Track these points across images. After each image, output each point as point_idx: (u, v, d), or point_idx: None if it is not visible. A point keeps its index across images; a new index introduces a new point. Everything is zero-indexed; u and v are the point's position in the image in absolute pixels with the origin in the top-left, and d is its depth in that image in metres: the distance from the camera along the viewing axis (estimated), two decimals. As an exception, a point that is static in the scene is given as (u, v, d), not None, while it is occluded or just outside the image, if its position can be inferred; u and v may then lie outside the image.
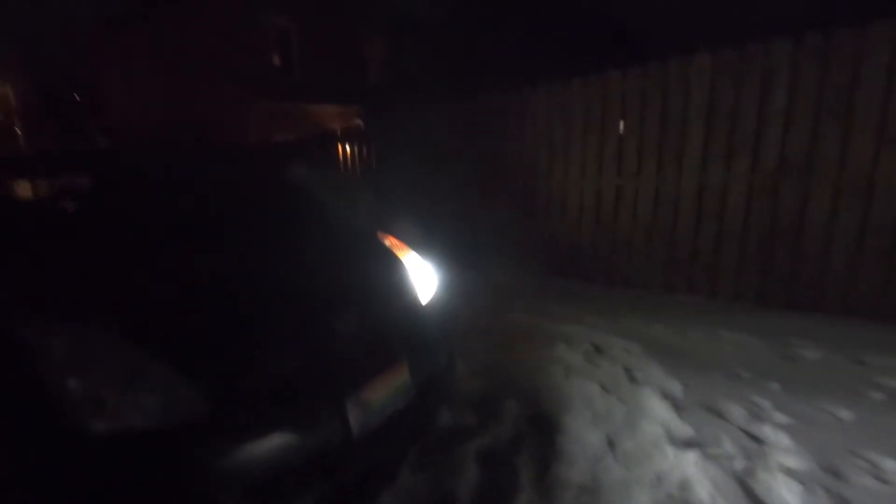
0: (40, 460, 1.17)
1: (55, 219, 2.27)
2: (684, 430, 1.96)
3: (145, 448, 1.20)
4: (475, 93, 4.77)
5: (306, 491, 1.39)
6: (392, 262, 2.11)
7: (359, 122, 6.13)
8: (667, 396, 2.21)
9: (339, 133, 6.38)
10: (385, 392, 1.58)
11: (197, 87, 13.44)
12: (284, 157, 7.42)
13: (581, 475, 1.76)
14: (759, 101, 3.16)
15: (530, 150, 4.36)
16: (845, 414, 2.01)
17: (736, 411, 2.07)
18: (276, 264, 1.83)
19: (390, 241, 2.32)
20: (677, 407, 2.12)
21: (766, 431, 1.91)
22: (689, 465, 1.74)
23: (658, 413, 2.08)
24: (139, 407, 1.23)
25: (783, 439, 1.85)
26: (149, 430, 1.22)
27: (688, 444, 1.86)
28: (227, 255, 1.80)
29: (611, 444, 1.92)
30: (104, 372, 1.25)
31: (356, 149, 6.13)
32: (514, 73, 5.71)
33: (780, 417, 2.00)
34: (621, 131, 3.77)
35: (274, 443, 1.32)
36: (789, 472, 1.67)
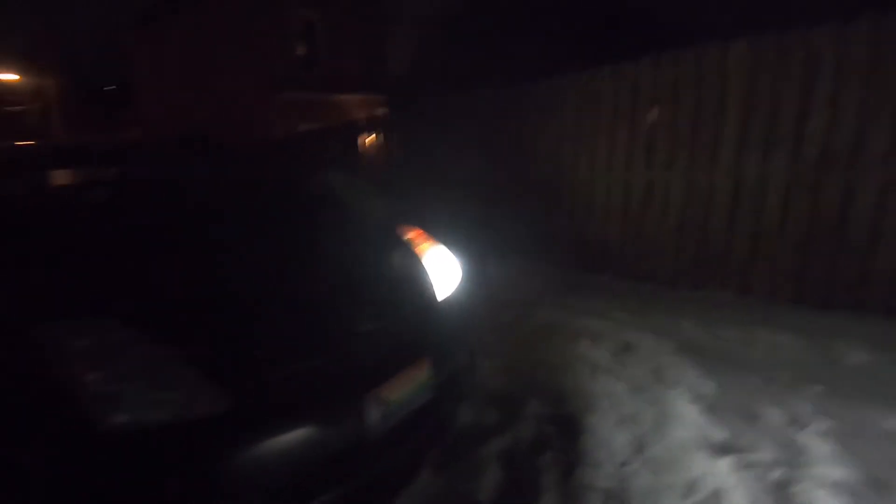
0: (60, 455, 1.17)
1: (82, 212, 2.30)
2: (718, 434, 1.87)
3: (165, 443, 1.19)
4: (500, 83, 4.68)
5: (325, 489, 1.37)
6: (413, 257, 2.07)
7: (383, 112, 6.09)
8: (699, 399, 2.11)
9: (362, 123, 6.36)
10: (405, 389, 1.54)
11: (223, 78, 13.63)
12: (307, 148, 7.48)
13: (607, 480, 1.69)
14: (800, 91, 2.99)
15: (556, 142, 4.25)
16: (894, 423, 1.89)
17: (774, 416, 1.96)
18: (296, 260, 1.81)
19: (413, 235, 2.28)
20: (710, 410, 2.02)
21: (808, 438, 1.80)
22: (723, 472, 1.65)
23: (690, 416, 1.99)
24: (159, 402, 1.23)
25: (826, 447, 1.74)
26: (168, 425, 1.21)
27: (722, 450, 1.77)
28: (248, 251, 1.78)
29: (638, 447, 1.85)
30: (124, 368, 1.25)
31: (380, 139, 6.11)
32: (541, 62, 5.57)
33: (823, 423, 1.88)
34: (652, 123, 3.63)
35: (292, 439, 1.30)
36: (833, 484, 1.56)
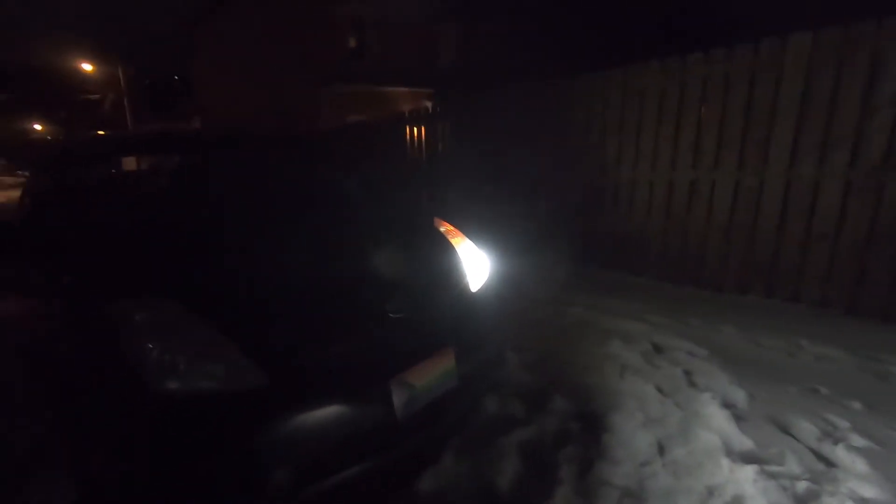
0: (122, 416, 1.33)
1: (146, 199, 2.51)
2: (744, 442, 1.84)
3: (210, 409, 1.33)
4: (546, 76, 4.64)
5: (352, 463, 1.47)
6: (445, 249, 2.13)
7: (429, 104, 6.15)
8: (728, 405, 2.07)
9: (408, 116, 6.46)
10: (430, 376, 1.62)
11: (276, 70, 14.11)
12: (354, 139, 7.67)
13: (625, 478, 1.71)
14: (863, 88, 2.81)
15: (598, 138, 4.19)
16: (939, 445, 1.79)
17: (807, 429, 1.91)
18: (335, 247, 1.92)
19: (446, 228, 2.34)
20: (739, 418, 1.99)
21: (840, 454, 1.75)
22: (746, 480, 1.63)
23: (716, 422, 1.96)
24: (207, 374, 1.36)
25: (859, 464, 1.69)
26: (214, 394, 1.34)
27: (746, 458, 1.75)
28: (290, 239, 1.91)
29: (661, 449, 1.85)
30: (179, 342, 1.39)
31: (426, 131, 6.19)
32: (589, 56, 5.46)
33: (859, 440, 1.82)
34: (700, 120, 3.51)
35: (322, 414, 1.40)
36: (861, 501, 1.52)
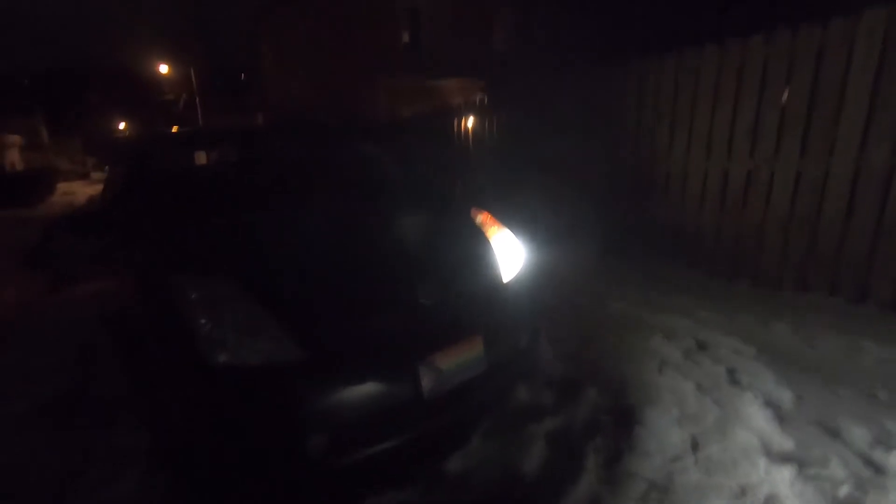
0: (176, 381, 1.50)
1: (211, 188, 2.74)
2: (784, 443, 1.77)
3: (256, 380, 1.46)
4: (597, 62, 4.52)
5: (382, 439, 1.57)
6: (479, 239, 2.18)
7: (482, 95, 6.16)
8: (772, 405, 1.99)
9: (461, 107, 6.50)
10: (457, 361, 1.69)
11: (335, 65, 14.57)
12: (408, 131, 7.82)
13: (653, 472, 1.70)
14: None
15: (650, 125, 4.04)
16: None
17: (858, 434, 1.80)
18: (374, 233, 2.03)
19: (482, 218, 2.38)
20: (782, 418, 1.91)
21: (893, 462, 1.64)
22: (782, 481, 1.58)
23: (757, 422, 1.90)
24: (253, 348, 1.50)
25: (913, 474, 1.58)
26: (260, 366, 1.48)
27: (785, 459, 1.69)
28: (331, 225, 2.03)
29: (694, 445, 1.82)
30: (230, 318, 1.53)
31: (478, 122, 6.21)
32: (642, 40, 5.26)
33: (916, 449, 1.70)
34: (759, 105, 3.31)
35: (354, 391, 1.51)
36: (911, 511, 1.43)
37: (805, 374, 2.24)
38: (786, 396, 2.05)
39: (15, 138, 18.81)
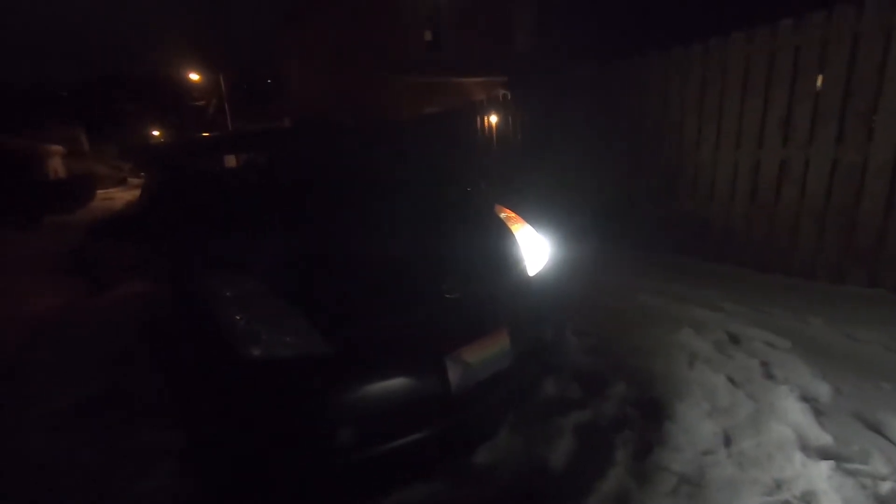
0: (209, 376, 1.56)
1: (240, 189, 2.82)
2: (822, 438, 1.72)
3: (287, 373, 1.51)
4: (620, 56, 4.45)
5: (409, 432, 1.60)
6: (503, 234, 2.18)
7: (504, 92, 6.13)
8: (809, 399, 1.94)
9: (483, 104, 6.49)
10: (483, 355, 1.70)
11: (357, 66, 14.71)
12: (429, 129, 7.85)
13: (684, 465, 1.68)
14: None
15: (677, 118, 3.96)
16: None
17: (900, 429, 1.74)
18: (398, 229, 2.05)
19: (506, 214, 2.39)
20: (819, 412, 1.86)
21: (938, 457, 1.58)
22: (820, 476, 1.54)
23: (793, 416, 1.85)
24: (285, 343, 1.54)
25: (962, 470, 1.52)
26: (291, 360, 1.52)
27: (823, 453, 1.64)
28: (358, 222, 2.07)
29: (727, 439, 1.79)
30: (262, 313, 1.58)
31: (501, 118, 6.19)
32: (667, 34, 5.14)
33: (965, 444, 1.63)
34: (792, 93, 3.20)
35: (381, 384, 1.54)
36: (959, 508, 1.38)
37: (843, 368, 2.17)
38: (823, 390, 2.00)
39: (57, 148, 19.70)
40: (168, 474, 1.87)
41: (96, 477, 1.91)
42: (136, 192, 5.36)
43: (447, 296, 1.73)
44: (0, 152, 13.64)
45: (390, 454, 1.57)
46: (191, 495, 1.76)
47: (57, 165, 18.97)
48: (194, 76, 24.63)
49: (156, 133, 38.80)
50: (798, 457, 1.63)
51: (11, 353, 3.30)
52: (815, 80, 3.09)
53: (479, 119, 6.57)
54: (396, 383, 1.56)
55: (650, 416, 1.95)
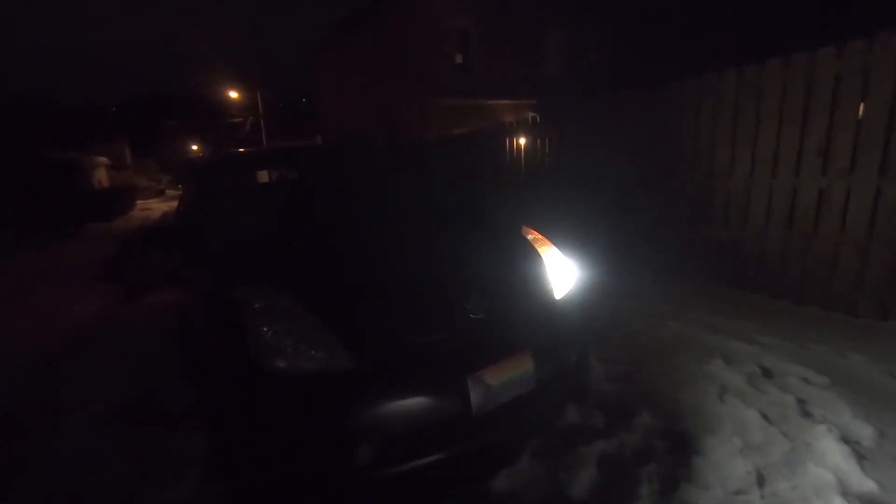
0: (234, 386, 1.58)
1: (273, 203, 2.90)
2: (865, 483, 1.62)
3: (310, 387, 1.52)
4: (652, 82, 4.43)
5: (429, 452, 1.58)
6: (530, 256, 2.17)
7: (533, 115, 6.16)
8: (850, 441, 1.83)
9: (511, 126, 6.54)
10: (506, 377, 1.68)
11: (388, 88, 15.08)
12: (458, 150, 7.94)
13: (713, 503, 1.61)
14: None
15: (709, 144, 3.90)
16: None
17: (952, 477, 1.62)
18: (426, 249, 2.07)
19: (533, 236, 2.38)
20: (862, 456, 1.75)
21: None
22: (862, 525, 1.45)
23: (832, 458, 1.75)
24: (309, 357, 1.56)
25: None
26: (314, 374, 1.54)
27: (866, 500, 1.55)
28: (385, 240, 2.09)
29: (760, 479, 1.70)
30: (287, 328, 1.61)
31: (530, 141, 6.22)
32: (700, 60, 5.10)
33: None
34: (832, 121, 3.12)
35: (403, 402, 1.53)
36: None
37: (887, 409, 2.05)
38: (866, 432, 1.89)
39: (102, 159, 20.73)
40: (197, 482, 1.90)
41: (128, 482, 1.95)
42: (174, 204, 5.56)
43: (472, 316, 1.72)
44: (51, 165, 14.44)
45: (409, 474, 1.55)
46: (218, 503, 1.77)
47: (101, 176, 19.93)
48: (233, 94, 25.66)
49: (194, 148, 40.39)
50: (838, 502, 1.54)
51: (52, 357, 3.43)
52: (857, 108, 3.00)
53: (507, 141, 6.61)
54: (417, 402, 1.55)
55: (677, 450, 1.88)
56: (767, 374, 2.41)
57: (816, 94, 3.19)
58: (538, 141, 6.08)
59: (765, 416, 2.04)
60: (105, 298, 5.04)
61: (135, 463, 2.06)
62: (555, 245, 2.34)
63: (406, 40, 13.89)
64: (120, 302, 4.93)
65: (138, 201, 20.78)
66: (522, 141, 6.34)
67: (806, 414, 2.05)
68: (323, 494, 1.57)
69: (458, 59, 14.32)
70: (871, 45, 2.90)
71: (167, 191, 28.92)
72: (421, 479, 1.62)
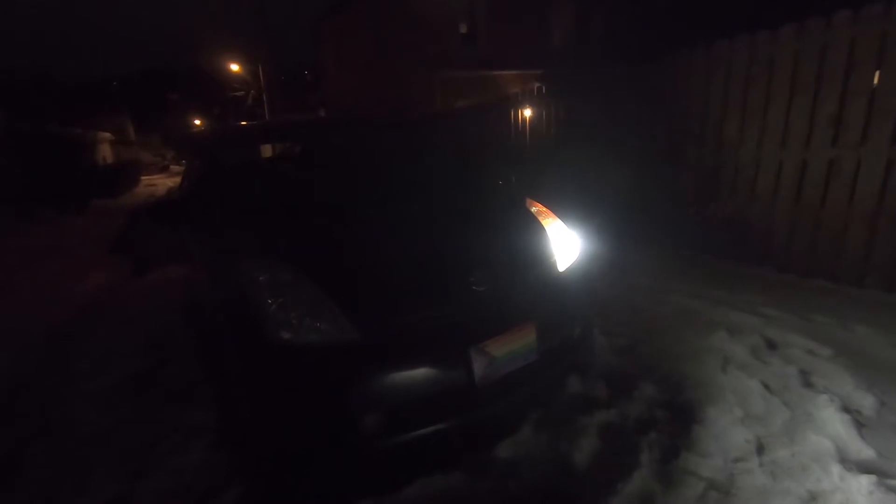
0: (242, 357, 1.61)
1: (276, 178, 2.89)
2: (864, 451, 1.64)
3: (319, 358, 1.54)
4: (660, 53, 4.32)
5: (433, 421, 1.61)
6: (533, 228, 2.16)
7: (538, 85, 6.04)
8: (850, 410, 1.85)
9: (517, 96, 6.42)
10: (509, 348, 1.70)
11: (392, 60, 14.78)
12: (462, 122, 7.84)
13: (713, 472, 1.64)
14: None
15: (717, 116, 3.81)
16: None
17: (952, 446, 1.64)
18: (429, 222, 2.06)
19: (537, 209, 2.36)
20: (862, 424, 1.77)
21: None
22: (859, 491, 1.47)
23: (832, 426, 1.77)
24: (314, 328, 1.58)
25: None
26: (320, 345, 1.56)
27: (864, 467, 1.57)
28: (389, 214, 2.09)
29: (760, 448, 1.73)
30: (292, 299, 1.62)
31: (536, 113, 6.12)
32: (710, 29, 4.93)
33: None
34: (844, 90, 3.04)
35: (407, 373, 1.56)
36: None
37: (890, 380, 2.06)
38: (867, 402, 1.90)
39: (105, 135, 20.65)
40: (202, 451, 1.95)
41: (137, 450, 2.01)
42: (178, 179, 5.56)
43: (475, 288, 1.73)
44: (56, 142, 14.38)
45: (413, 443, 1.59)
46: (225, 472, 1.82)
47: (106, 152, 19.90)
48: (234, 67, 25.25)
49: (197, 122, 40.07)
50: (836, 469, 1.57)
51: (64, 330, 3.49)
52: (872, 76, 2.92)
53: (512, 112, 6.50)
54: (421, 372, 1.58)
55: (679, 420, 1.90)
56: (771, 345, 2.42)
57: (830, 59, 3.09)
58: (543, 112, 5.98)
59: (766, 387, 2.05)
60: (114, 272, 5.10)
61: (145, 432, 2.12)
62: (559, 217, 2.33)
63: (411, 9, 13.53)
64: (128, 275, 5.00)
65: (143, 177, 20.77)
66: (528, 112, 6.24)
67: (808, 384, 2.06)
68: (329, 462, 1.61)
69: (464, 28, 13.97)
70: (889, 9, 2.80)
71: (171, 166, 28.86)
72: (425, 447, 1.65)
